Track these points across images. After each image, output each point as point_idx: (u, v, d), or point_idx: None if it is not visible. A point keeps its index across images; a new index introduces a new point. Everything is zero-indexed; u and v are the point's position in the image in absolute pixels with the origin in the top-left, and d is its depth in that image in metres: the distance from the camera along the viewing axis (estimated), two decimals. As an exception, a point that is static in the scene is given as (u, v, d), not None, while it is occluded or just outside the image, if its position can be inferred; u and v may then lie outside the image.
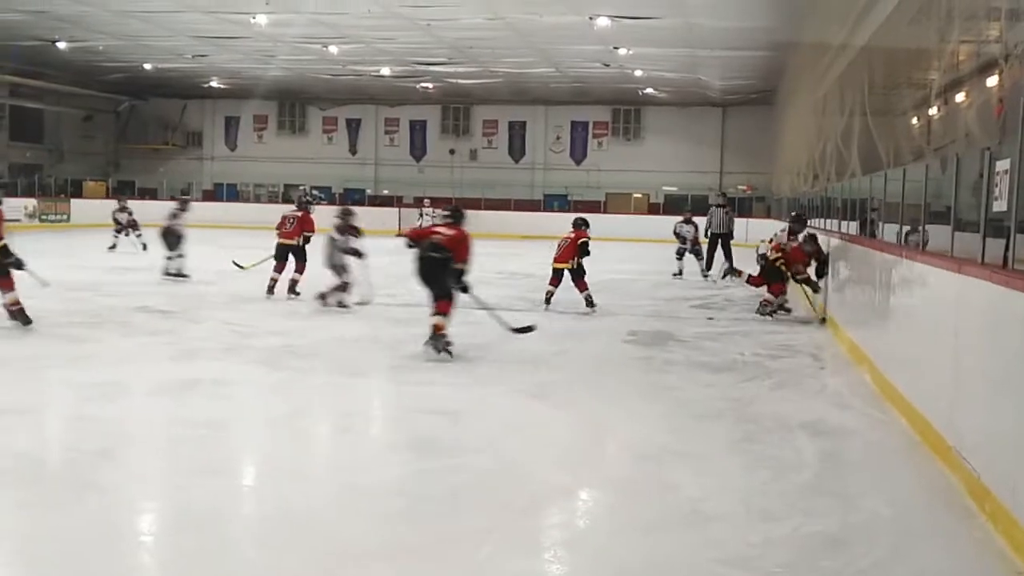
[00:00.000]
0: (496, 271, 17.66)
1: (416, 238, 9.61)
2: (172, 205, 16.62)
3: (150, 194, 40.42)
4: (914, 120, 9.59)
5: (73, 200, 36.52)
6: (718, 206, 21.11)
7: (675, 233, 19.47)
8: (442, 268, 9.26)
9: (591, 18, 23.16)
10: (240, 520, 5.08)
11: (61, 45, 29.89)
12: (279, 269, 13.94)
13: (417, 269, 9.37)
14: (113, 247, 22.58)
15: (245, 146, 43.84)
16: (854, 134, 12.30)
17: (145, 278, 15.94)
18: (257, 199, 42.19)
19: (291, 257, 13.89)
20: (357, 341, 10.64)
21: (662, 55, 28.11)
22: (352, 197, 39.77)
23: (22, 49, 30.94)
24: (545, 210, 37.62)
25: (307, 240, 13.89)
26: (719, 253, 20.13)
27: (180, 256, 15.75)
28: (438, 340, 9.28)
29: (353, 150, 43.12)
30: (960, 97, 7.76)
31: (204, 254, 22.23)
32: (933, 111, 8.63)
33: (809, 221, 14.63)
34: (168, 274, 15.73)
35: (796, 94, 24.21)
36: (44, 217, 34.11)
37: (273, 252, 14.09)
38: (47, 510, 4.89)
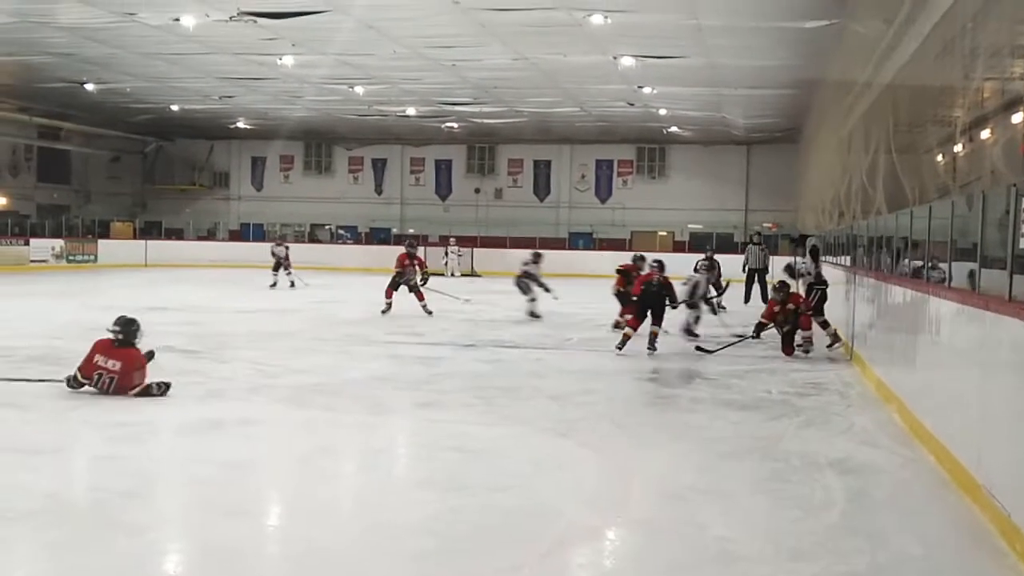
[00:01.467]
0: (519, 308, 17.65)
1: (643, 284, 13.55)
2: (527, 255, 18.56)
3: (177, 235, 40.73)
4: (939, 157, 9.56)
5: (100, 241, 36.83)
6: (754, 243, 23.32)
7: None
8: (662, 299, 13.40)
9: (615, 58, 23.24)
10: (267, 560, 5.08)
11: (89, 87, 30.18)
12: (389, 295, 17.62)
13: (644, 298, 13.33)
14: (273, 284, 24.60)
15: (271, 186, 44.06)
16: (879, 171, 12.28)
17: (170, 318, 16.02)
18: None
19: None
20: (383, 379, 10.66)
21: (686, 94, 28.18)
22: (378, 236, 40.05)
23: (50, 91, 31.29)
24: (570, 248, 37.69)
25: (399, 275, 17.61)
26: (756, 288, 21.84)
27: (533, 300, 17.67)
28: (654, 341, 13.13)
29: (379, 190, 43.27)
30: (985, 134, 7.76)
31: (229, 295, 22.46)
32: (958, 148, 8.61)
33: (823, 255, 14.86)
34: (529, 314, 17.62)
35: (821, 132, 24.19)
36: (71, 258, 34.47)
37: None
38: (75, 550, 4.91)
